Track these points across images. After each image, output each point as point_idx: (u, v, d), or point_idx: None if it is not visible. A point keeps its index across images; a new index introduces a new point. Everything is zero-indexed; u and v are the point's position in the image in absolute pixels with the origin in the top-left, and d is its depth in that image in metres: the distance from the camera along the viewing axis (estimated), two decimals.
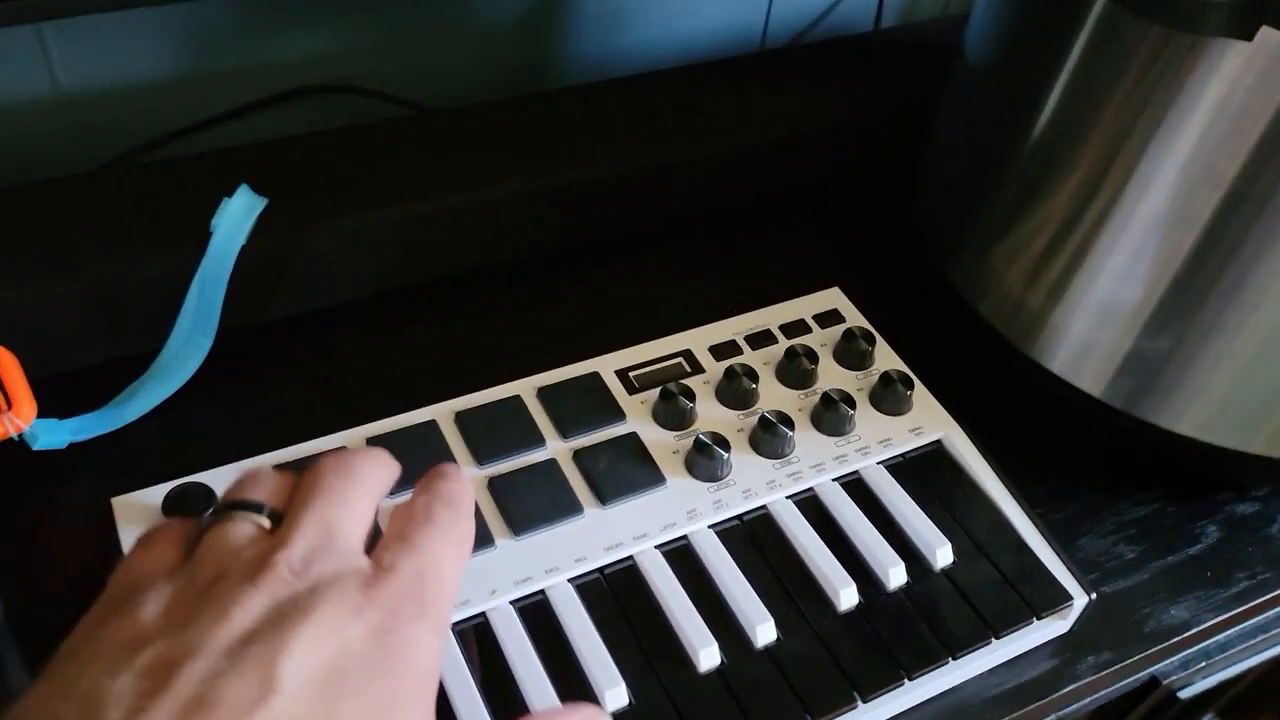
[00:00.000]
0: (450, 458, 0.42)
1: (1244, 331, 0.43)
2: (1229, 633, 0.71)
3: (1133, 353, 0.45)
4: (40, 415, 0.41)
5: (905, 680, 0.38)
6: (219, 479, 0.40)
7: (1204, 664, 0.70)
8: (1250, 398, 0.45)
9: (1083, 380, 0.47)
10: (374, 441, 0.42)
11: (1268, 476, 0.50)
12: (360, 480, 0.30)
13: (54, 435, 0.43)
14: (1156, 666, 0.69)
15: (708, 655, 0.38)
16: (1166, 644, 0.45)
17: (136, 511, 0.39)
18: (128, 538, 0.38)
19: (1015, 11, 0.47)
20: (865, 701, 0.38)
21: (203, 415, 0.46)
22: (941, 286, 0.52)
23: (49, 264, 0.44)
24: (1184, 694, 0.73)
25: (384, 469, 0.32)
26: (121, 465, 0.44)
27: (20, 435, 0.41)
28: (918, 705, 0.41)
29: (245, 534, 0.28)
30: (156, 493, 0.39)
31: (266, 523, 0.29)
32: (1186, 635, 0.45)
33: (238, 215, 0.42)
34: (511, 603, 0.38)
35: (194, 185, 0.48)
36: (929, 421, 0.46)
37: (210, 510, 0.30)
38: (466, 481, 0.32)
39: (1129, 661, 0.44)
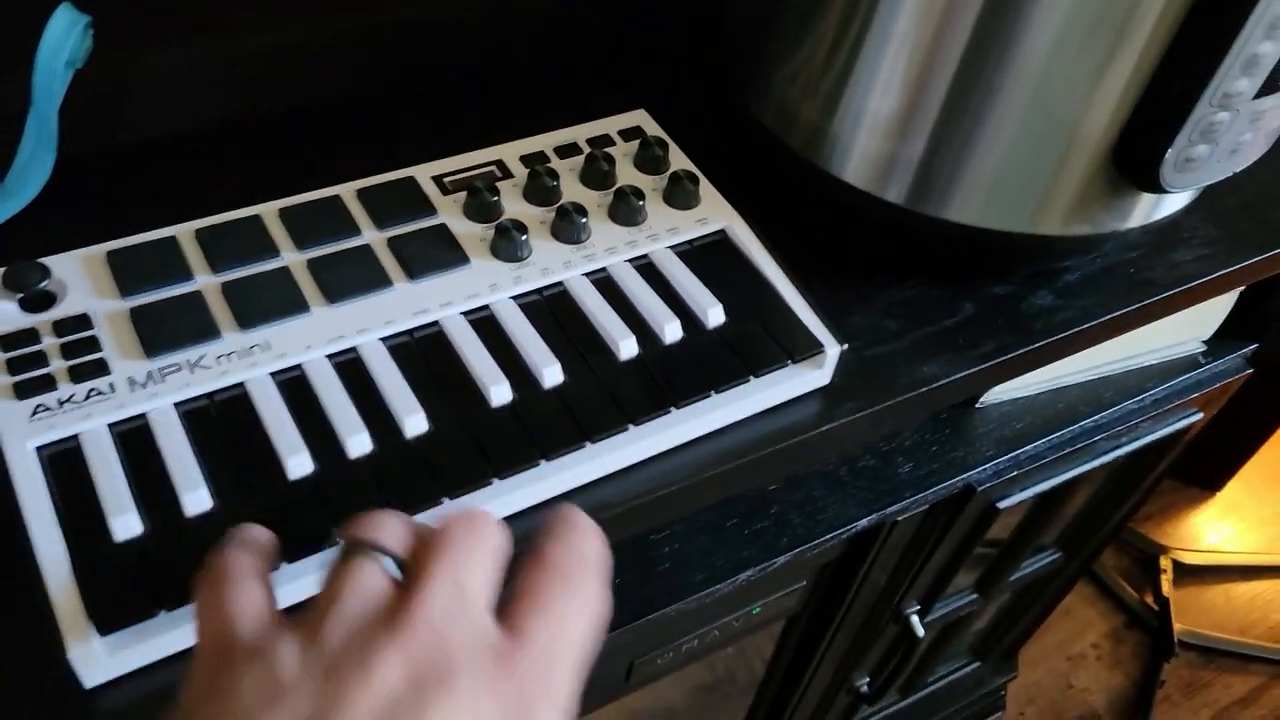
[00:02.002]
0: (273, 247, 0.47)
1: (996, 116, 0.48)
2: (1038, 443, 0.80)
3: (899, 147, 0.51)
4: None
5: (672, 409, 0.45)
6: (57, 262, 0.44)
7: (1015, 472, 0.79)
8: (1006, 181, 0.51)
9: (857, 178, 0.53)
10: (204, 232, 0.47)
11: (1026, 259, 0.57)
12: (487, 539, 0.30)
13: None
14: (969, 474, 0.77)
15: (499, 392, 0.43)
16: (915, 393, 0.51)
17: None
18: None
19: None
20: (636, 425, 0.44)
21: (49, 231, 0.50)
22: (738, 110, 0.58)
23: None
24: (1003, 504, 0.82)
25: (504, 533, 0.31)
26: None
27: None
28: (694, 441, 0.47)
29: (376, 583, 0.28)
30: None
31: (396, 572, 0.29)
32: (935, 386, 0.52)
33: (59, 31, 0.46)
34: (327, 356, 0.44)
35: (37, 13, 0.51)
36: (714, 214, 0.52)
37: (339, 548, 0.30)
38: (597, 532, 0.32)
39: (881, 406, 0.50)
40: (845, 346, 0.49)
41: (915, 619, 0.93)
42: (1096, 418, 0.82)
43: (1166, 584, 1.49)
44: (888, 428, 0.53)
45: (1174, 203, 0.55)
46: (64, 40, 0.46)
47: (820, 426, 0.49)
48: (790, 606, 0.82)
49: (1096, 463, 0.85)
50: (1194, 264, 0.60)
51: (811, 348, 0.48)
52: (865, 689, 1.06)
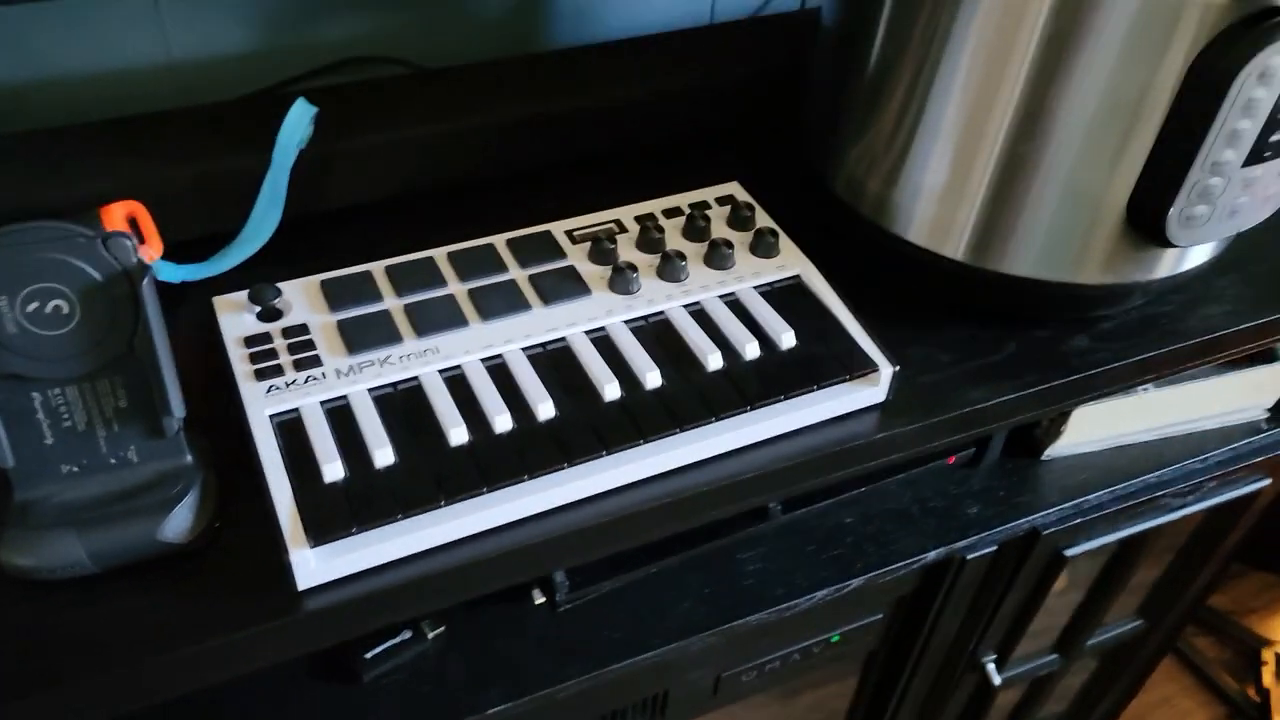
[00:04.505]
0: (442, 279, 0.60)
1: (1035, 185, 0.58)
2: (1100, 493, 0.87)
3: (954, 212, 0.62)
4: (165, 259, 0.60)
5: (748, 408, 0.55)
6: (284, 286, 0.59)
7: (1079, 520, 0.86)
8: (1047, 238, 0.60)
9: (919, 238, 0.64)
10: (391, 268, 0.60)
11: (1066, 305, 0.66)
12: None
13: (172, 272, 0.62)
14: (1033, 517, 0.85)
15: (611, 389, 0.55)
16: (961, 412, 0.60)
17: (229, 303, 0.58)
18: (224, 320, 0.57)
19: None
20: (719, 420, 0.55)
21: (276, 272, 0.65)
22: (816, 183, 0.70)
23: (168, 162, 0.64)
24: (1070, 552, 0.89)
25: None
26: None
27: (149, 266, 0.60)
28: (771, 440, 0.57)
29: None
30: (242, 295, 0.58)
31: None
32: (979, 407, 0.61)
33: (295, 117, 0.61)
34: (481, 360, 0.56)
35: (274, 116, 0.67)
36: (791, 263, 0.64)
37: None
38: None
39: (932, 421, 0.60)
40: (897, 368, 0.59)
41: (991, 667, 0.98)
42: (1159, 473, 0.88)
43: (1269, 676, 1.47)
44: (938, 441, 0.62)
45: (1194, 258, 0.64)
46: (298, 125, 0.62)
47: (878, 434, 0.59)
48: (869, 641, 0.89)
49: (1163, 519, 0.90)
50: (1222, 318, 0.68)
51: (867, 366, 0.58)
52: None
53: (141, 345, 0.46)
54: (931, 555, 0.80)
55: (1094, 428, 0.87)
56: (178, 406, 0.48)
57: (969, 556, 0.82)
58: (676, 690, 0.79)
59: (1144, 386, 0.84)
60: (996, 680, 0.98)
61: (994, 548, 0.83)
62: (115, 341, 0.46)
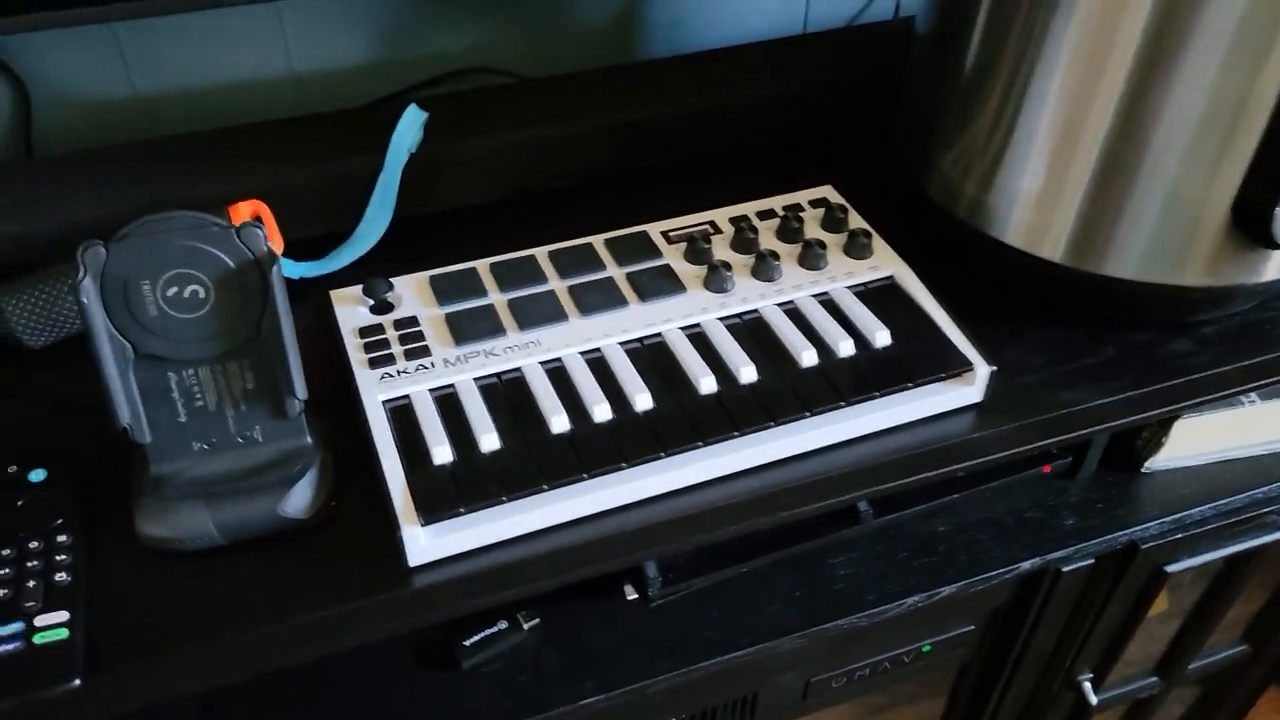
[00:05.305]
0: (543, 276, 0.62)
1: (1136, 188, 0.58)
2: (1203, 507, 0.84)
3: (1051, 215, 0.62)
4: (285, 257, 0.64)
5: (843, 404, 0.56)
6: (396, 281, 0.62)
7: (1180, 535, 0.84)
8: (1148, 240, 0.60)
9: (1015, 239, 0.64)
10: (496, 266, 0.63)
11: (1166, 308, 0.65)
12: None
13: (291, 269, 0.66)
14: (1133, 530, 0.83)
15: (707, 383, 0.56)
16: (1055, 414, 0.60)
17: (345, 297, 0.61)
18: (340, 312, 0.60)
19: None
20: (813, 414, 0.55)
21: (388, 269, 0.68)
22: (910, 186, 0.70)
23: (290, 165, 0.68)
24: (1171, 569, 0.86)
25: None
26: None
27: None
28: (865, 437, 0.57)
29: None
30: (356, 289, 0.61)
31: None
32: (1074, 410, 0.60)
33: (407, 122, 0.65)
34: (580, 353, 0.58)
35: (387, 123, 0.71)
36: (885, 264, 0.64)
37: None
38: None
39: (1025, 422, 0.60)
40: (994, 368, 0.59)
41: (1088, 686, 0.96)
42: (1266, 490, 0.85)
43: None
44: (1034, 443, 0.61)
45: None
46: (410, 130, 0.65)
47: (973, 434, 0.59)
48: (962, 653, 0.88)
49: (1269, 538, 0.87)
50: None
51: (963, 365, 0.58)
52: None
53: (269, 329, 0.49)
54: (1026, 566, 0.79)
55: (1197, 440, 0.85)
56: (301, 389, 0.51)
57: (1065, 569, 0.81)
58: (766, 693, 0.79)
59: (1250, 399, 0.82)
60: (1093, 700, 0.96)
61: (1091, 561, 0.81)
62: (245, 326, 0.49)
